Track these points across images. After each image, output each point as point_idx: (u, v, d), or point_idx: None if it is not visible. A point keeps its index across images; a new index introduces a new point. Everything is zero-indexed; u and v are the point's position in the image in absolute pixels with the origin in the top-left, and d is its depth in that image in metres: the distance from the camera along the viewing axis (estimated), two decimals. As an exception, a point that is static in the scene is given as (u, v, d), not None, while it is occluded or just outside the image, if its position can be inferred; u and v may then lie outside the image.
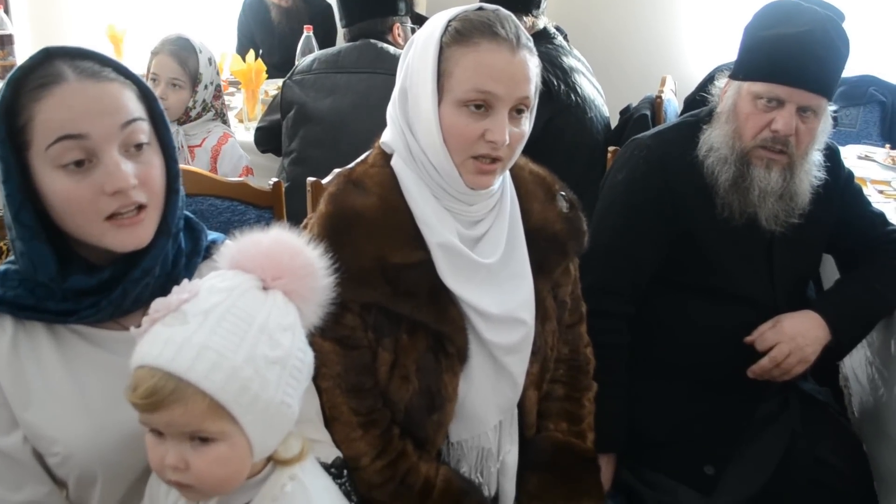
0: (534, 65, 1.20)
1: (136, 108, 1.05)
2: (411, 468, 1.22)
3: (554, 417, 1.40)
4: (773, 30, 1.56)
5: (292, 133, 2.40)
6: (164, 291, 1.11)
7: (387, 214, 1.20)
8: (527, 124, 1.22)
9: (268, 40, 4.04)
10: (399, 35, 2.57)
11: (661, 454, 1.65)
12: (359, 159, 1.34)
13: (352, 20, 2.52)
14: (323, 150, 2.33)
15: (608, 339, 1.58)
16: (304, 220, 1.31)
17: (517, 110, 1.19)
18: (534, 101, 1.22)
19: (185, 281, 0.98)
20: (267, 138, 2.58)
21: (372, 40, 2.46)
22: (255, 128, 2.64)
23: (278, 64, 3.58)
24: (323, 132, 2.34)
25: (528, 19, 2.76)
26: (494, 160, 1.19)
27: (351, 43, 2.49)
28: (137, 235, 1.05)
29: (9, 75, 1.02)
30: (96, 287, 1.05)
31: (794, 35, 1.52)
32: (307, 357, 1.00)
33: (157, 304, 0.94)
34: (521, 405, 1.34)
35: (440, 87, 1.18)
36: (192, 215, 1.20)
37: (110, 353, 1.09)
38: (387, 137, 1.28)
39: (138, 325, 1.08)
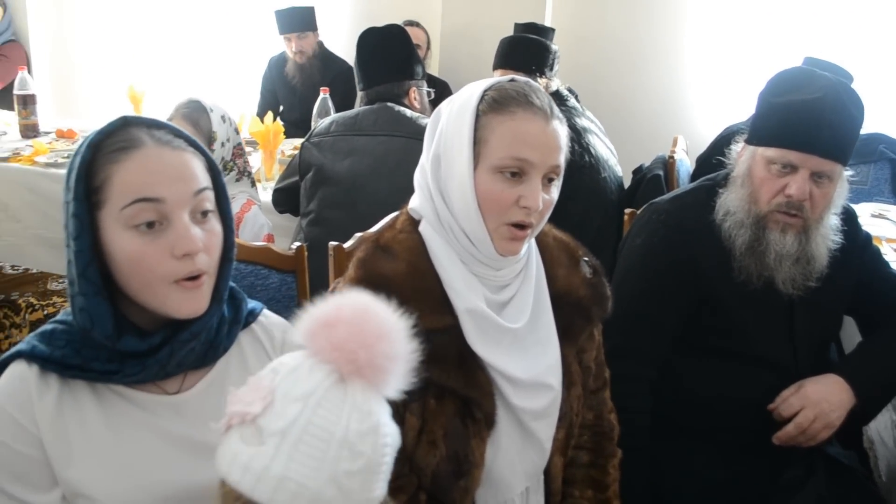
0: (564, 135, 1.23)
1: (204, 177, 1.09)
2: (438, 535, 1.21)
3: (580, 484, 1.39)
4: (786, 97, 1.59)
5: (310, 194, 2.43)
6: (206, 359, 1.13)
7: (415, 280, 1.21)
8: (556, 192, 1.25)
9: (289, 98, 4.13)
10: (415, 98, 2.62)
11: (686, 521, 1.63)
12: (384, 223, 1.36)
13: (369, 83, 2.58)
14: (341, 211, 2.36)
15: (630, 404, 1.58)
16: (332, 286, 1.32)
17: (548, 178, 1.22)
18: (563, 171, 1.25)
19: (259, 378, 0.93)
20: (285, 199, 2.62)
21: (389, 103, 2.50)
22: (273, 189, 2.68)
23: (297, 122, 3.65)
24: (341, 194, 2.38)
25: (542, 81, 2.82)
26: (525, 227, 1.21)
27: (368, 106, 2.54)
28: (198, 301, 1.07)
29: (88, 138, 1.06)
30: (146, 351, 1.07)
31: (806, 102, 1.55)
32: (392, 443, 0.94)
33: (233, 406, 0.90)
34: (548, 471, 1.33)
35: (475, 154, 1.20)
36: (234, 284, 1.22)
37: (151, 415, 1.10)
38: (415, 203, 1.30)
39: (176, 391, 1.10)
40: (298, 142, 3.14)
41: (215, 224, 1.10)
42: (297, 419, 0.87)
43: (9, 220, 3.20)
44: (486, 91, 1.23)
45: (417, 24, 4.16)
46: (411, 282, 1.21)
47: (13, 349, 1.09)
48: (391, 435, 0.95)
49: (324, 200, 2.40)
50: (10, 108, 3.88)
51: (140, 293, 1.06)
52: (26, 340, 1.09)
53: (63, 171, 3.14)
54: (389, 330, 0.93)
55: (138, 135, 1.06)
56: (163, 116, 2.45)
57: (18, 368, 1.07)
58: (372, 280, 1.20)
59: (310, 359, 0.92)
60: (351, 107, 2.62)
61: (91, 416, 1.07)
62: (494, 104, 1.21)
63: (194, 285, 1.06)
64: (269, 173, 2.97)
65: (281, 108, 4.06)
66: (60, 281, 3.09)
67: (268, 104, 4.12)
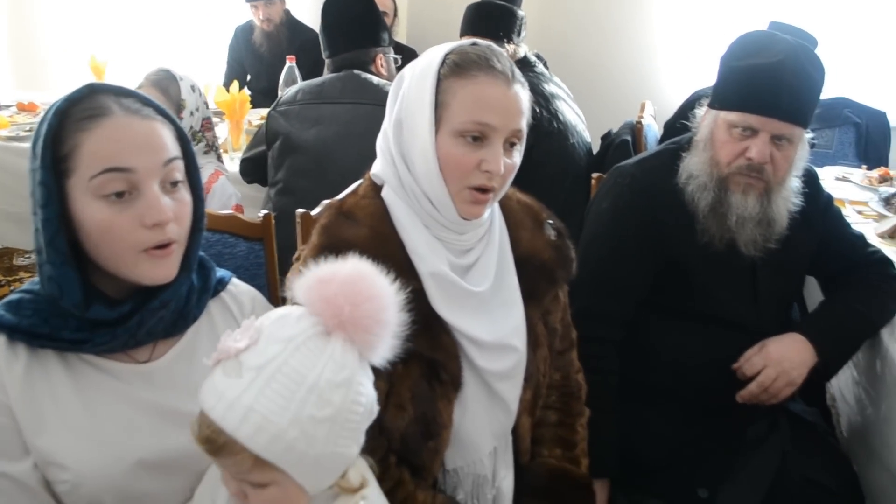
0: (526, 99, 1.23)
1: (174, 147, 1.08)
2: (408, 496, 1.23)
3: (548, 444, 1.41)
4: (747, 60, 1.60)
5: (278, 163, 2.41)
6: (175, 327, 1.14)
7: (378, 245, 1.21)
8: (518, 157, 1.25)
9: (255, 66, 4.07)
10: (382, 65, 2.60)
11: (654, 478, 1.66)
12: (348, 190, 1.35)
13: (335, 51, 2.55)
14: (309, 180, 2.34)
15: (597, 365, 1.60)
16: (297, 252, 1.31)
17: (510, 143, 1.22)
18: (525, 135, 1.25)
19: (252, 319, 0.98)
20: (252, 169, 2.59)
21: (355, 71, 2.48)
22: (240, 159, 2.65)
23: (265, 90, 3.60)
24: (309, 162, 2.36)
25: (510, 47, 2.80)
26: (487, 190, 1.21)
27: (334, 74, 2.51)
28: (167, 268, 1.08)
29: (54, 105, 1.04)
30: (116, 320, 1.07)
31: (766, 65, 1.56)
32: (365, 404, 0.99)
33: (223, 342, 0.96)
34: (515, 431, 1.35)
35: (437, 118, 1.20)
36: (203, 254, 1.22)
37: (122, 383, 1.10)
38: (377, 169, 1.30)
39: (147, 360, 1.11)
40: (265, 111, 3.10)
41: (185, 194, 1.10)
42: (274, 358, 0.93)
43: (-30, 196, 3.15)
44: (447, 55, 1.23)
45: (387, -10, 4.10)
46: (374, 247, 1.20)
47: None
48: (366, 396, 0.99)
49: (291, 169, 2.38)
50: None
51: (109, 261, 1.05)
52: None
53: (25, 145, 3.11)
54: (380, 295, 0.98)
55: (106, 102, 1.05)
56: (128, 87, 2.42)
57: None
58: (335, 246, 1.20)
59: (300, 310, 0.98)
60: (319, 75, 2.60)
61: (61, 384, 1.07)
62: (456, 68, 1.21)
63: (163, 253, 1.07)
64: (237, 143, 2.93)
65: (248, 77, 4.00)
66: (26, 256, 3.05)
67: (234, 73, 4.06)
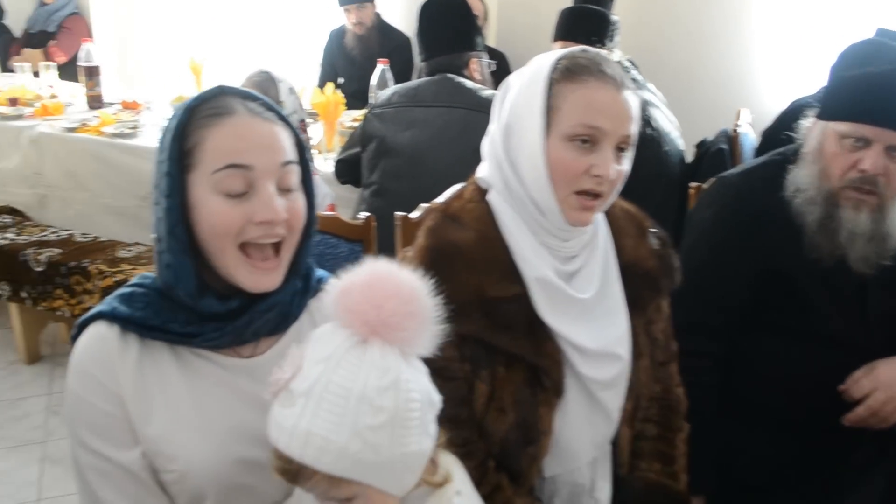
0: (636, 105, 1.22)
1: (291, 151, 1.11)
2: (507, 502, 1.22)
3: (647, 457, 1.38)
4: (858, 69, 1.55)
5: (373, 165, 2.44)
6: (279, 327, 1.16)
7: (484, 249, 1.22)
8: (627, 164, 1.24)
9: (347, 69, 4.14)
10: (475, 69, 2.60)
11: (754, 499, 1.62)
12: (450, 194, 1.36)
13: (430, 54, 2.57)
14: (402, 182, 2.37)
15: (696, 379, 1.56)
16: (400, 255, 1.33)
17: (620, 148, 1.21)
18: (634, 142, 1.24)
19: (296, 348, 1.00)
20: (347, 170, 2.64)
21: (449, 75, 2.50)
22: (335, 160, 2.70)
23: (355, 92, 3.66)
24: (403, 165, 2.39)
25: (603, 52, 2.78)
26: (596, 196, 1.21)
27: (429, 77, 2.53)
28: (270, 280, 1.10)
29: (185, 102, 1.09)
30: (224, 314, 1.10)
31: (879, 74, 1.51)
32: (420, 399, 0.98)
33: (273, 375, 0.98)
34: (615, 442, 1.34)
35: (547, 122, 1.20)
36: None
37: (228, 373, 1.13)
38: (483, 173, 1.30)
39: (250, 356, 1.15)
40: (357, 113, 3.16)
41: (299, 198, 1.12)
42: (318, 379, 0.94)
43: (78, 189, 3.30)
44: (558, 60, 1.23)
45: (476, -6, 4.12)
46: (480, 250, 1.21)
47: (94, 310, 1.12)
48: (418, 391, 0.98)
49: (386, 172, 2.41)
50: (75, 80, 3.98)
51: (216, 255, 1.08)
52: (106, 302, 1.13)
53: (129, 142, 3.24)
54: (402, 290, 0.98)
55: (232, 103, 1.08)
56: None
57: (99, 328, 1.10)
58: (442, 248, 1.21)
59: (333, 325, 0.99)
60: (408, 78, 2.62)
61: (170, 375, 1.10)
62: (567, 73, 1.21)
63: (266, 267, 1.09)
64: (330, 144, 2.99)
65: (340, 79, 4.07)
66: (128, 249, 3.17)
67: (327, 76, 4.14)
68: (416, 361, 1.00)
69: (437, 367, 1.18)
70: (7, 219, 3.42)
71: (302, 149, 1.14)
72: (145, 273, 1.17)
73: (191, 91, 3.64)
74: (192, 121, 1.07)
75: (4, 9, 5.16)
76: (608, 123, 1.18)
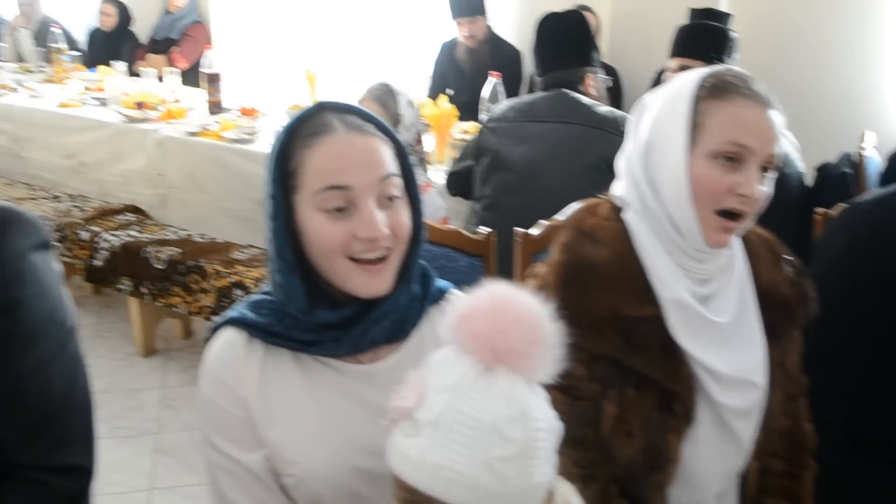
0: (780, 125, 1.20)
1: (391, 163, 1.12)
2: (630, 529, 1.21)
3: (773, 493, 1.33)
4: None
5: (485, 179, 2.45)
6: (397, 335, 1.17)
7: (620, 267, 1.21)
8: (770, 186, 1.21)
9: (457, 81, 4.19)
10: (591, 85, 2.58)
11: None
12: (581, 210, 1.34)
13: (546, 69, 2.56)
14: (515, 197, 2.37)
15: (822, 415, 1.49)
16: (528, 271, 1.33)
17: (763, 168, 1.19)
18: (779, 163, 1.20)
19: (414, 373, 0.98)
20: (458, 182, 2.66)
21: (565, 90, 2.49)
22: (447, 172, 2.72)
23: (465, 105, 3.70)
24: (516, 180, 2.39)
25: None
26: (736, 217, 1.18)
27: (545, 92, 2.53)
28: (379, 283, 1.11)
29: (287, 123, 1.12)
30: (339, 323, 1.12)
31: None
32: (547, 428, 0.96)
33: (394, 402, 0.96)
34: (744, 475, 1.30)
35: (692, 139, 1.19)
36: (424, 262, 1.25)
37: (348, 380, 1.14)
38: (619, 191, 1.29)
39: (370, 362, 1.16)
40: (466, 125, 3.19)
41: (402, 207, 1.13)
42: (446, 409, 0.91)
43: (197, 192, 3.44)
44: (705, 77, 1.22)
45: (588, 9, 4.08)
46: (616, 269, 1.20)
47: (226, 316, 1.17)
48: (544, 420, 0.95)
49: (498, 185, 2.42)
50: (195, 85, 4.16)
51: (328, 272, 1.10)
52: (236, 309, 1.17)
53: (247, 147, 3.36)
54: (526, 315, 0.94)
55: (330, 120, 1.10)
56: (332, 96, 2.55)
57: (229, 334, 1.14)
58: (577, 264, 1.21)
59: (454, 351, 0.96)
60: (517, 92, 2.61)
61: (292, 380, 1.13)
62: (715, 90, 1.19)
63: (376, 269, 1.10)
64: (441, 156, 3.01)
65: (450, 91, 4.12)
66: (243, 251, 3.28)
67: (437, 88, 4.19)
68: (538, 388, 0.97)
69: (568, 386, 1.17)
70: (131, 217, 3.60)
71: (404, 157, 1.15)
72: None
73: (305, 100, 3.75)
74: (293, 140, 1.09)
75: (132, 16, 5.45)
76: (755, 142, 1.16)
